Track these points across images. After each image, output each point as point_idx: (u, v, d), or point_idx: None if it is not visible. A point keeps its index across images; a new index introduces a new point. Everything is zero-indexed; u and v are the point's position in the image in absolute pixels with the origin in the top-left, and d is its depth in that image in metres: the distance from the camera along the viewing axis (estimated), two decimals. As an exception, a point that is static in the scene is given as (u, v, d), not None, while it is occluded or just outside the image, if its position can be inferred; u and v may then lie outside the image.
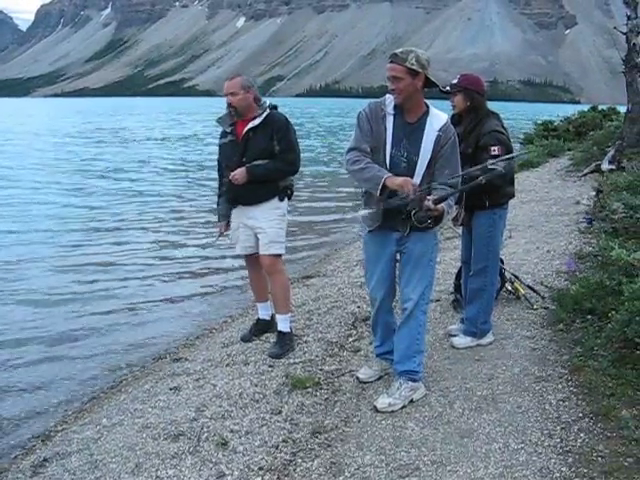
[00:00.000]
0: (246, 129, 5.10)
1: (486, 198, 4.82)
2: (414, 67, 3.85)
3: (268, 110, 5.12)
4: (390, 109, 4.04)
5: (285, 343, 5.31)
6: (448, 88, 4.81)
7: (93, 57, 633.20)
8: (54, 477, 3.76)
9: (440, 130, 3.99)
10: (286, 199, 5.24)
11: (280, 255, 5.26)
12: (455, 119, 4.94)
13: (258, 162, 5.02)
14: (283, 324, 5.36)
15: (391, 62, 3.91)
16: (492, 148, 4.68)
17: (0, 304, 7.58)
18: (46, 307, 7.49)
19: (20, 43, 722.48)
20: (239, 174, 5.01)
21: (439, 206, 3.87)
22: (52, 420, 4.83)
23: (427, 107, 4.06)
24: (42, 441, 4.45)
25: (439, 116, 4.05)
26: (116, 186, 17.95)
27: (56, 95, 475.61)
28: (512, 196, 5.06)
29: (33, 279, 8.61)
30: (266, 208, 5.14)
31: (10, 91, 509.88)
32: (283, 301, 5.36)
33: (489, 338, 5.13)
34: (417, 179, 3.97)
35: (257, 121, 5.07)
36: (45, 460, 4.00)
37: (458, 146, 4.12)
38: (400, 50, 3.93)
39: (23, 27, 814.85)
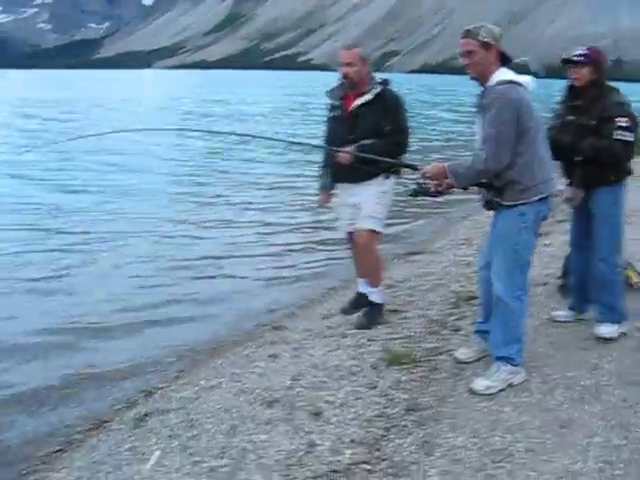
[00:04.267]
0: (356, 104, 4.96)
1: (611, 172, 4.57)
2: (487, 40, 3.84)
3: (380, 87, 4.94)
4: None
5: (373, 315, 5.27)
6: (575, 58, 4.57)
7: (211, 31, 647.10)
8: (153, 431, 3.90)
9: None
10: (392, 177, 5.06)
11: (376, 233, 5.13)
12: (572, 91, 4.71)
13: (365, 142, 4.84)
14: (374, 295, 5.31)
15: (464, 37, 3.90)
16: (620, 119, 4.43)
17: (127, 263, 8.01)
18: (158, 270, 7.77)
19: (143, 17, 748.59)
20: (345, 157, 4.86)
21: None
22: (154, 378, 5.03)
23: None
24: (144, 396, 4.64)
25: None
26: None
27: (175, 67, 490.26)
28: (630, 173, 4.76)
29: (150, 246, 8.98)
30: (369, 186, 5.02)
31: (133, 63, 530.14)
32: (374, 277, 5.29)
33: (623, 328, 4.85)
34: None
35: (368, 97, 4.91)
36: (146, 414, 4.16)
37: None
38: (472, 26, 3.92)
39: (147, 2, 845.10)
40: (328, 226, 9.52)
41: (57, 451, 4.06)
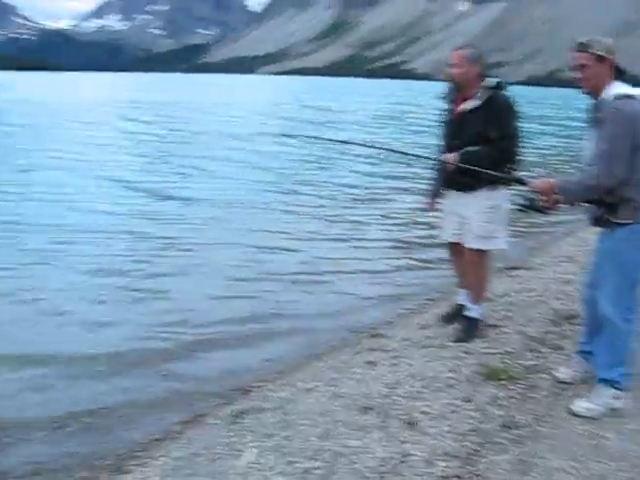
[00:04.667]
0: (463, 108, 4.83)
1: None
2: (601, 53, 3.74)
3: (490, 91, 4.75)
4: None
5: (471, 329, 5.18)
6: None
7: (316, 38, 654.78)
8: (249, 428, 4.00)
9: None
10: (502, 188, 4.84)
11: (485, 251, 5.03)
12: None
13: (470, 148, 4.69)
14: (473, 311, 5.22)
15: (577, 50, 3.80)
16: None
17: (220, 273, 8.07)
18: (251, 282, 7.73)
19: (248, 24, 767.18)
20: (449, 161, 4.77)
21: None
22: (252, 377, 5.15)
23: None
24: (242, 394, 4.77)
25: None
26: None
27: (278, 73, 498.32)
28: None
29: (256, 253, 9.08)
30: (477, 197, 4.85)
31: (238, 68, 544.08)
32: (477, 293, 5.19)
33: None
34: None
35: (476, 102, 4.76)
36: (242, 412, 4.27)
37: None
38: (585, 38, 3.82)
39: (254, 9, 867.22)
40: (426, 242, 9.53)
41: (156, 440, 4.25)
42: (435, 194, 5.31)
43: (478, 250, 5.00)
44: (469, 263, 5.10)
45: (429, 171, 5.43)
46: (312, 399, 4.32)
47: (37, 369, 5.37)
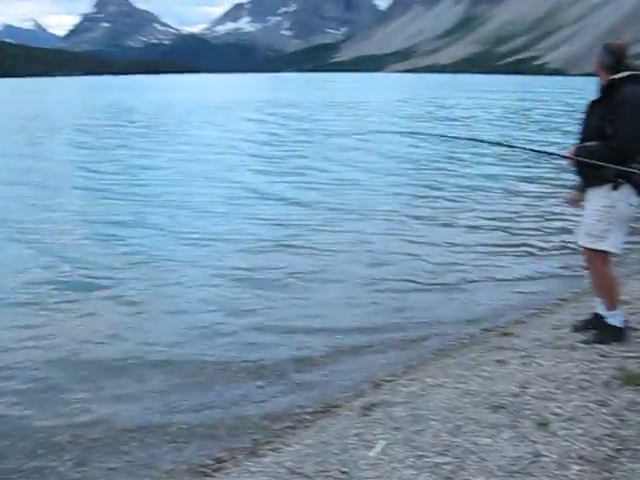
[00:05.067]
0: (587, 101, 4.75)
1: None
2: None
3: (611, 83, 4.52)
4: None
5: (608, 332, 4.92)
6: None
7: (443, 35, 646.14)
8: (379, 421, 4.08)
9: None
10: (625, 189, 4.53)
11: (599, 251, 4.71)
12: None
13: (587, 144, 4.55)
14: (611, 318, 4.94)
15: None
16: None
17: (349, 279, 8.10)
18: (374, 289, 7.67)
19: (379, 22, 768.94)
20: (569, 153, 4.68)
21: None
22: (382, 371, 5.26)
23: None
24: (372, 387, 4.88)
25: None
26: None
27: (406, 71, 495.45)
28: None
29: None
30: (594, 194, 4.66)
31: (366, 67, 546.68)
32: (606, 299, 4.91)
33: None
34: None
35: (596, 95, 4.64)
36: (373, 405, 4.37)
37: None
38: None
39: (382, 7, 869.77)
40: (556, 246, 9.26)
41: (289, 427, 4.45)
42: (576, 187, 5.10)
43: (593, 250, 4.75)
44: (587, 263, 4.91)
45: (555, 172, 5.27)
46: (441, 395, 4.34)
47: (177, 372, 5.55)
